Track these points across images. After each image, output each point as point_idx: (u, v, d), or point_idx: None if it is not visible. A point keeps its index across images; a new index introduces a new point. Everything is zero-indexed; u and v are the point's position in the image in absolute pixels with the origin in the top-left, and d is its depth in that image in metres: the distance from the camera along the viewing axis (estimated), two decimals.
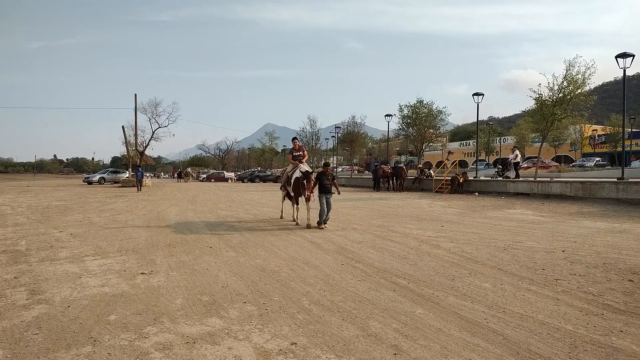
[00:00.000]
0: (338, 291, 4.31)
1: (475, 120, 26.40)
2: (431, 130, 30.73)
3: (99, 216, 11.08)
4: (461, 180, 20.19)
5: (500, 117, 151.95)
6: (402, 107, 30.01)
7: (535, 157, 28.25)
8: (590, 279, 4.68)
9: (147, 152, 38.26)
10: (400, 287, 4.45)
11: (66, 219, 10.54)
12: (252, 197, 19.43)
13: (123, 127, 36.45)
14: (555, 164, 40.46)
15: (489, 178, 22.05)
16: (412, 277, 4.85)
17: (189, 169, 63.51)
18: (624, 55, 15.55)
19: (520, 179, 18.94)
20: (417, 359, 2.82)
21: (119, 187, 30.63)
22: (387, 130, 34.56)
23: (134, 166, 33.06)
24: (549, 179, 18.29)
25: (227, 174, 54.95)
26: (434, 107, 29.67)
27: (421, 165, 29.42)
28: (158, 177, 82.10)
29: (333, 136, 49.53)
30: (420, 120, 29.32)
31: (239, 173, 58.72)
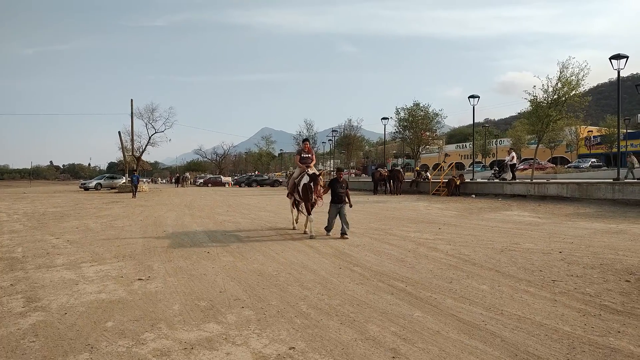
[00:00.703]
0: (336, 295, 4.30)
1: (472, 122, 26.47)
2: (428, 133, 30.88)
3: (95, 222, 11.04)
4: (458, 183, 20.25)
5: (496, 119, 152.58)
6: (399, 110, 30.21)
7: (532, 159, 28.38)
8: (587, 280, 4.69)
9: (143, 157, 38.27)
10: (398, 290, 4.45)
11: (63, 225, 10.49)
12: (249, 201, 19.41)
13: (119, 132, 36.58)
14: (552, 165, 40.68)
15: (486, 180, 22.13)
16: (410, 280, 4.85)
17: (187, 174, 63.34)
18: (618, 57, 15.70)
19: (517, 180, 19.02)
20: None
21: (116, 192, 30.52)
22: (383, 133, 34.69)
23: (131, 172, 33.01)
24: (545, 181, 18.38)
25: (224, 179, 54.92)
26: (431, 110, 29.88)
27: (418, 168, 29.53)
28: (155, 182, 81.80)
29: (330, 140, 49.62)
30: (417, 123, 29.47)
31: (236, 177, 58.67)
